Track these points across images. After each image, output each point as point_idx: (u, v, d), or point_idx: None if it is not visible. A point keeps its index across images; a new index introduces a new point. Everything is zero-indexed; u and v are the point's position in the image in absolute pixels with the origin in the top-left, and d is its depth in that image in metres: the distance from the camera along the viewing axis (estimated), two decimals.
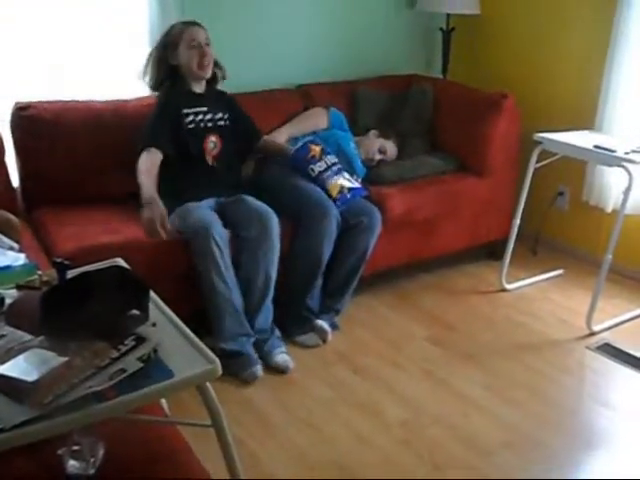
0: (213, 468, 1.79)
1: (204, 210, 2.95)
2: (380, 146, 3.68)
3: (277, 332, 3.02)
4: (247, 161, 3.38)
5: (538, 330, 3.31)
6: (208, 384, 1.67)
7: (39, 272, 1.96)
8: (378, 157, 3.67)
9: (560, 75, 4.00)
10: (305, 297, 3.14)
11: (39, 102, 3.12)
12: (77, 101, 3.23)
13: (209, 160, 3.13)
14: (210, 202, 3.05)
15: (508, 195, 3.83)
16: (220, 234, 2.82)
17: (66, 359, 1.50)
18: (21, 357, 1.51)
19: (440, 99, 3.98)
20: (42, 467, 1.60)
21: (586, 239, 3.97)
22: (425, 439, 2.51)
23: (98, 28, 3.30)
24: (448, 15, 4.28)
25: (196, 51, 3.06)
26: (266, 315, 2.97)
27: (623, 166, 3.06)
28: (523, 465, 2.39)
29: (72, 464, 1.58)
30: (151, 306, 1.78)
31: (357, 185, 3.31)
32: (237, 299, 2.86)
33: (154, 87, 3.18)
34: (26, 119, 3.07)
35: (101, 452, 1.61)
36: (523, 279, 3.78)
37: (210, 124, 3.14)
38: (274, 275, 2.96)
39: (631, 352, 3.11)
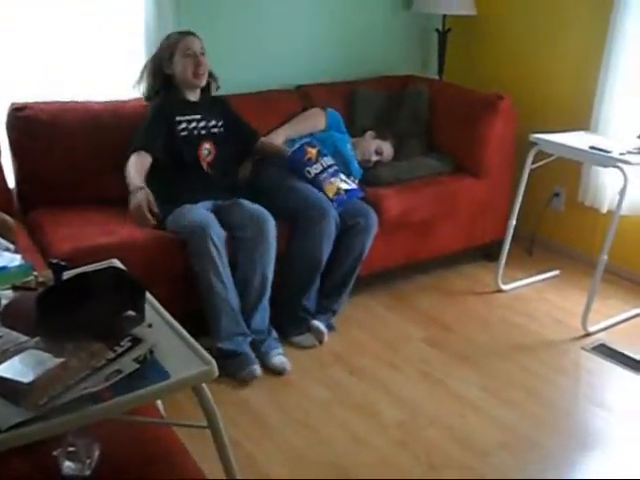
0: (209, 469, 1.79)
1: (201, 211, 2.96)
2: (377, 147, 3.69)
3: (274, 333, 3.02)
4: (244, 162, 3.38)
5: (534, 331, 3.31)
6: (204, 385, 1.67)
7: (35, 273, 1.96)
8: (375, 158, 3.68)
9: (556, 76, 4.00)
10: (302, 298, 3.14)
11: (35, 103, 3.12)
12: (74, 102, 3.23)
13: (204, 167, 3.14)
14: (207, 204, 3.05)
15: (504, 196, 3.84)
16: (217, 234, 2.82)
17: (62, 360, 1.49)
18: (17, 358, 1.50)
19: (436, 100, 3.99)
20: (38, 468, 1.60)
21: (582, 240, 3.98)
22: (421, 440, 2.51)
23: (94, 29, 3.30)
24: (444, 16, 4.28)
25: (191, 60, 3.08)
26: (263, 316, 2.97)
27: (618, 167, 3.06)
28: (519, 465, 2.40)
29: (68, 465, 1.58)
30: (147, 307, 1.78)
31: (354, 186, 3.31)
32: (234, 299, 2.86)
33: (149, 97, 3.20)
34: (22, 120, 3.07)
35: (97, 453, 1.61)
36: (519, 280, 3.79)
37: (204, 131, 3.16)
38: (270, 276, 2.96)
39: (626, 353, 3.12)
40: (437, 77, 4.42)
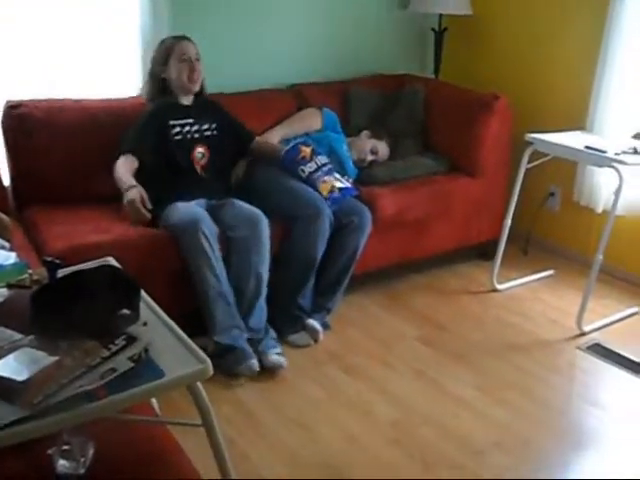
0: (204, 468, 1.79)
1: (192, 207, 2.97)
2: (372, 147, 3.69)
3: (272, 333, 3.01)
4: (239, 162, 3.38)
5: (529, 330, 3.32)
6: (199, 384, 1.67)
7: (30, 271, 1.96)
8: (370, 158, 3.68)
9: (552, 76, 4.01)
10: (297, 296, 3.14)
11: (31, 100, 3.11)
12: (69, 99, 3.22)
13: (198, 170, 3.16)
14: (200, 202, 3.05)
15: (499, 195, 3.84)
16: (209, 228, 2.83)
17: (56, 358, 1.49)
18: (11, 356, 1.50)
19: (432, 99, 3.99)
20: (32, 467, 1.60)
21: (577, 239, 3.99)
22: (415, 439, 2.51)
23: (90, 28, 3.29)
24: (440, 15, 4.29)
25: (186, 65, 3.11)
26: (259, 315, 2.97)
27: (614, 167, 3.06)
28: (513, 465, 2.40)
29: (62, 464, 1.57)
30: (142, 305, 1.78)
31: (348, 185, 3.31)
32: (228, 292, 2.86)
33: (148, 99, 3.23)
34: (17, 117, 3.06)
35: (91, 452, 1.61)
36: (514, 279, 3.79)
37: (197, 135, 3.17)
38: (266, 276, 2.96)
39: (621, 352, 3.13)
40: (433, 76, 4.42)
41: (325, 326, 3.20)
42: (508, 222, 3.60)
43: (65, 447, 1.58)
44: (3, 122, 3.07)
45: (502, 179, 3.84)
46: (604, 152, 3.13)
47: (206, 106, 3.26)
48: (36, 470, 1.59)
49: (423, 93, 4.00)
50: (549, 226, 4.15)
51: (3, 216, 2.53)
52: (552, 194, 4.12)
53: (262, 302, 2.98)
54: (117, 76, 3.41)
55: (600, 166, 3.26)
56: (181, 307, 2.50)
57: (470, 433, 2.55)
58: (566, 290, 3.70)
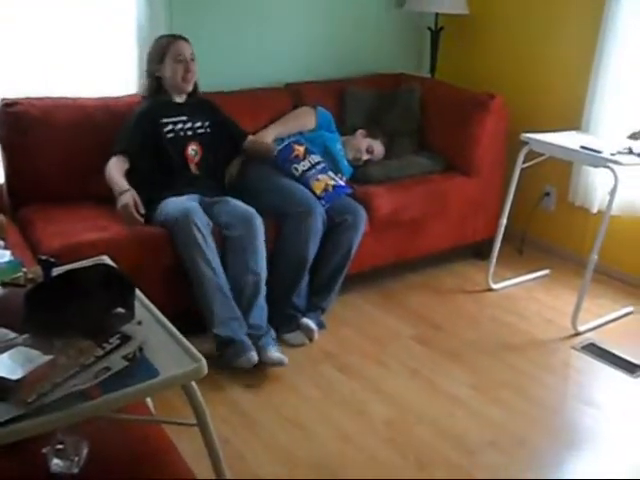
0: (198, 467, 1.78)
1: (184, 201, 2.97)
2: (367, 146, 3.69)
3: (273, 333, 2.98)
4: (233, 161, 3.38)
5: (524, 330, 3.32)
6: (193, 383, 1.67)
7: (24, 269, 1.95)
8: (365, 157, 3.68)
9: (548, 76, 4.01)
10: (291, 295, 3.14)
11: (26, 98, 3.11)
12: (65, 98, 3.22)
13: (191, 167, 3.17)
14: (194, 197, 3.05)
15: (495, 195, 3.84)
16: (201, 219, 2.83)
17: (51, 357, 1.49)
18: (5, 355, 1.50)
19: (428, 99, 3.99)
20: (26, 466, 1.59)
21: (572, 239, 4.00)
22: (410, 438, 2.52)
23: (86, 27, 3.29)
24: (437, 15, 4.29)
25: (182, 65, 3.12)
26: (260, 314, 2.95)
27: (609, 167, 3.07)
28: (508, 464, 2.40)
29: (56, 463, 1.57)
30: (137, 304, 1.78)
31: (341, 183, 3.31)
32: (225, 284, 2.85)
33: (144, 97, 3.24)
34: (12, 115, 3.05)
35: (85, 451, 1.61)
36: (509, 279, 3.80)
37: (190, 132, 3.18)
38: (264, 275, 2.95)
39: (616, 352, 3.13)
40: (429, 76, 4.42)
41: (320, 325, 3.20)
42: (503, 221, 3.60)
43: (59, 446, 1.58)
44: None
45: (497, 179, 3.85)
46: (599, 152, 3.13)
47: (199, 104, 3.26)
48: (30, 469, 1.59)
49: (419, 92, 4.00)
50: (544, 226, 4.16)
51: None
52: (547, 194, 4.12)
53: (261, 301, 2.96)
54: (114, 75, 3.41)
55: (595, 166, 3.26)
56: (176, 305, 2.50)
57: (465, 432, 2.55)
58: (561, 290, 3.71)
